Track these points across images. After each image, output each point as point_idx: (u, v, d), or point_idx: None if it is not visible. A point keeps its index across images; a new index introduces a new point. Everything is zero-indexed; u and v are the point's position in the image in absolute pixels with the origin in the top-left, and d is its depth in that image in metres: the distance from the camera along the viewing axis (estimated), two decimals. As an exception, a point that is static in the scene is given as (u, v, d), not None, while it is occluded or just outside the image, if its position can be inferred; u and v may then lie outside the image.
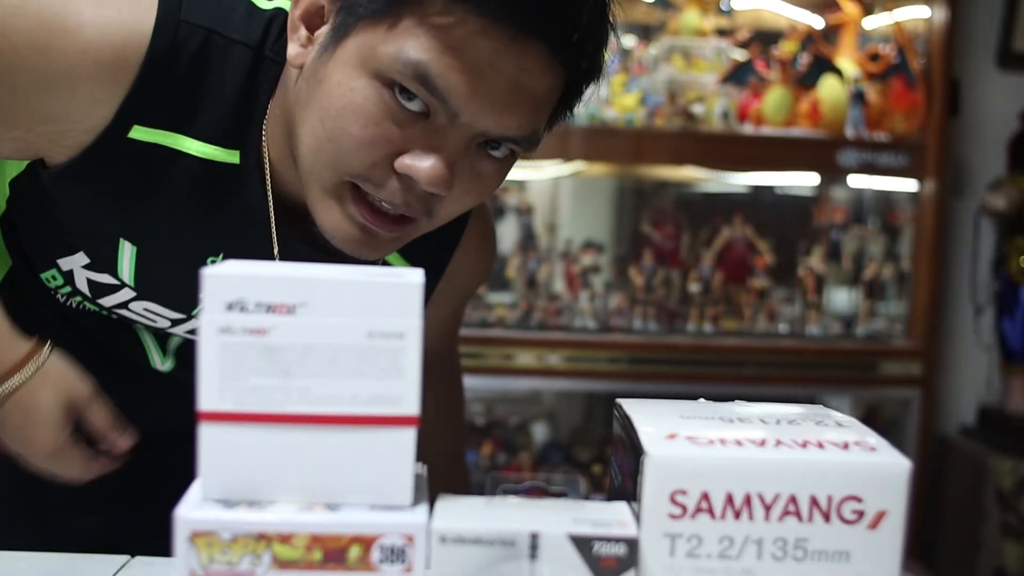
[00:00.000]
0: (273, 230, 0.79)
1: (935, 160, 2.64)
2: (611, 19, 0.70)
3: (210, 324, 0.48)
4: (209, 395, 0.48)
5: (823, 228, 2.87)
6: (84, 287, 0.82)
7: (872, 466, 0.48)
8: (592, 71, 0.72)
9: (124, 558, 0.77)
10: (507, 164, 0.74)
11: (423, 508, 0.49)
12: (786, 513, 0.48)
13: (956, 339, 2.87)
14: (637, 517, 0.49)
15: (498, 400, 2.80)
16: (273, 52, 0.76)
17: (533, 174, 2.79)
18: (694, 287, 2.71)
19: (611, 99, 2.62)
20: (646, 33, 2.85)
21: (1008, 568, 2.50)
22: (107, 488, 0.97)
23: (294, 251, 0.80)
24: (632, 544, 0.47)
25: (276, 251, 0.80)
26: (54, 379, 0.83)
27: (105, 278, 0.81)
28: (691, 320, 2.70)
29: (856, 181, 2.83)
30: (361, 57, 0.66)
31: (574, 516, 0.49)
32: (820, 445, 0.50)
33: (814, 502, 0.48)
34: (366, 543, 0.47)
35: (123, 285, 0.81)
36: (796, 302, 2.81)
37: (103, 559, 0.77)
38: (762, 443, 0.50)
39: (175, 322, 0.86)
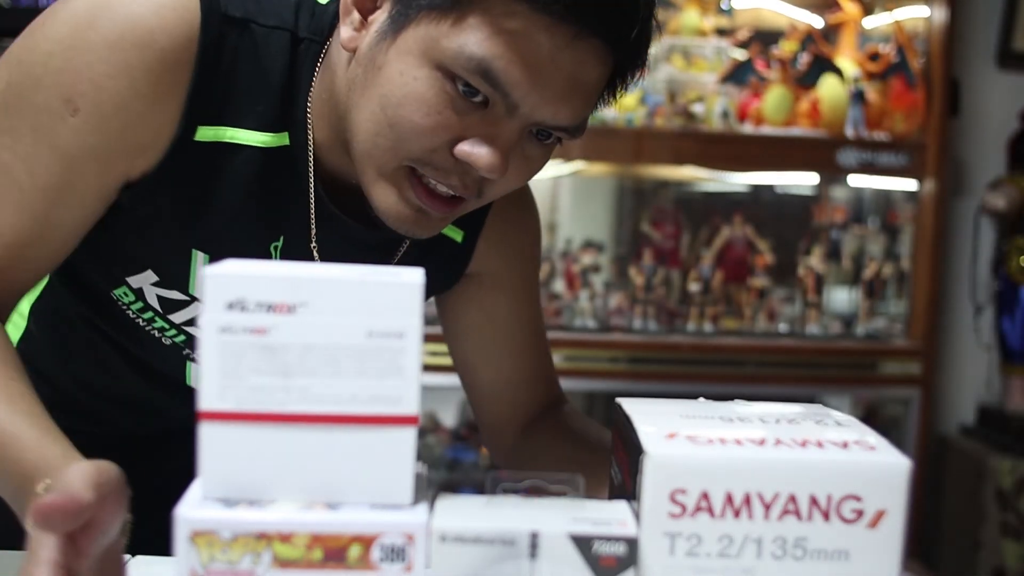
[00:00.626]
0: (312, 211, 0.81)
1: (935, 160, 2.64)
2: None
3: (210, 323, 0.48)
4: (209, 394, 0.48)
5: (823, 228, 2.87)
6: (155, 303, 0.83)
7: (872, 465, 0.48)
8: (642, 63, 0.76)
9: (124, 557, 0.77)
10: (552, 148, 0.77)
11: (423, 507, 0.49)
12: (785, 512, 0.48)
13: (956, 339, 2.87)
14: (637, 516, 0.49)
15: (498, 399, 2.80)
16: (307, 31, 0.77)
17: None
18: (694, 287, 2.72)
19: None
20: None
21: (1008, 567, 2.50)
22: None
23: (337, 228, 0.82)
24: (632, 543, 0.47)
25: (313, 232, 0.82)
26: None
27: (174, 294, 0.82)
28: (691, 320, 2.70)
29: (856, 181, 2.83)
30: (423, 48, 0.68)
31: (574, 515, 0.48)
32: (819, 444, 0.50)
33: (814, 501, 0.48)
34: (366, 542, 0.46)
35: (192, 300, 0.82)
36: (796, 302, 2.82)
37: (103, 559, 0.77)
38: (761, 442, 0.49)
39: None
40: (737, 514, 0.48)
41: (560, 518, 0.48)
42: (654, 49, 2.65)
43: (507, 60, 0.66)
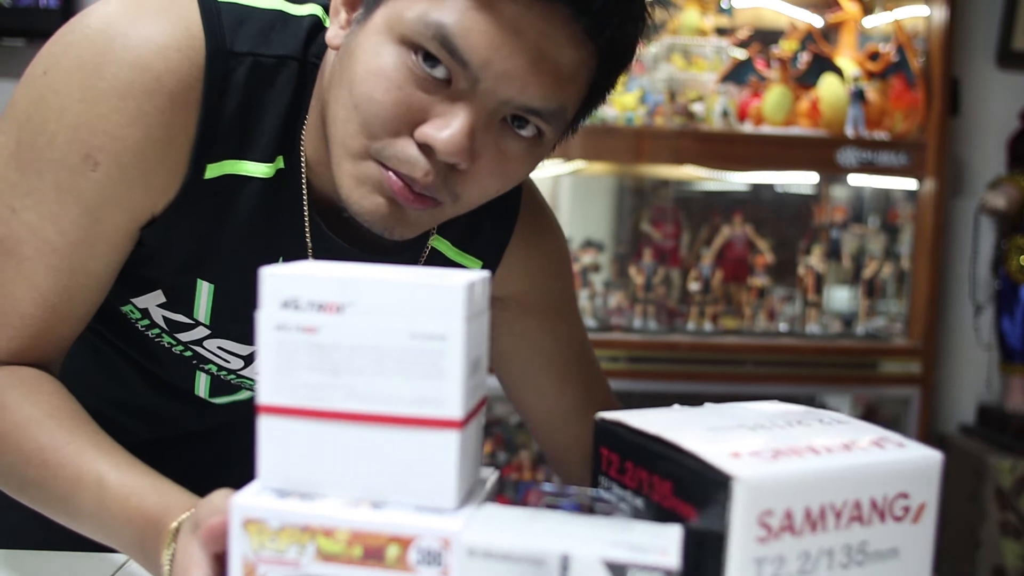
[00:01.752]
0: (307, 229, 0.79)
1: (935, 159, 2.64)
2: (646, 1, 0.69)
3: (268, 320, 0.49)
4: (267, 389, 0.50)
5: (823, 227, 2.87)
6: (161, 322, 0.82)
7: (913, 461, 0.49)
8: (620, 49, 0.71)
9: (124, 557, 0.77)
10: (535, 148, 0.72)
11: (468, 512, 0.48)
12: (852, 519, 0.48)
13: (956, 338, 2.87)
14: (722, 544, 0.46)
15: (498, 399, 2.79)
16: (315, 56, 0.76)
17: (533, 173, 2.78)
18: (694, 286, 2.71)
19: (611, 98, 2.61)
20: (646, 32, 2.84)
21: (1007, 566, 2.51)
22: None
23: (332, 251, 0.80)
24: (671, 574, 0.44)
25: (310, 255, 0.80)
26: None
27: (180, 317, 0.81)
28: (691, 319, 2.70)
29: (856, 180, 2.83)
30: (388, 23, 0.66)
31: (614, 538, 0.46)
32: (863, 448, 0.50)
33: (873, 504, 0.48)
34: (404, 544, 0.47)
35: (197, 323, 0.82)
36: (796, 301, 2.82)
37: (103, 559, 0.77)
38: (817, 451, 0.49)
39: (247, 359, 0.86)
40: (814, 528, 0.47)
41: (598, 540, 0.46)
42: (654, 48, 2.62)
43: (465, 26, 0.64)
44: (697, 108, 2.63)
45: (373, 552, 0.47)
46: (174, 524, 0.60)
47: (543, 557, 0.45)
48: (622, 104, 2.60)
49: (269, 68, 0.74)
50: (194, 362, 0.87)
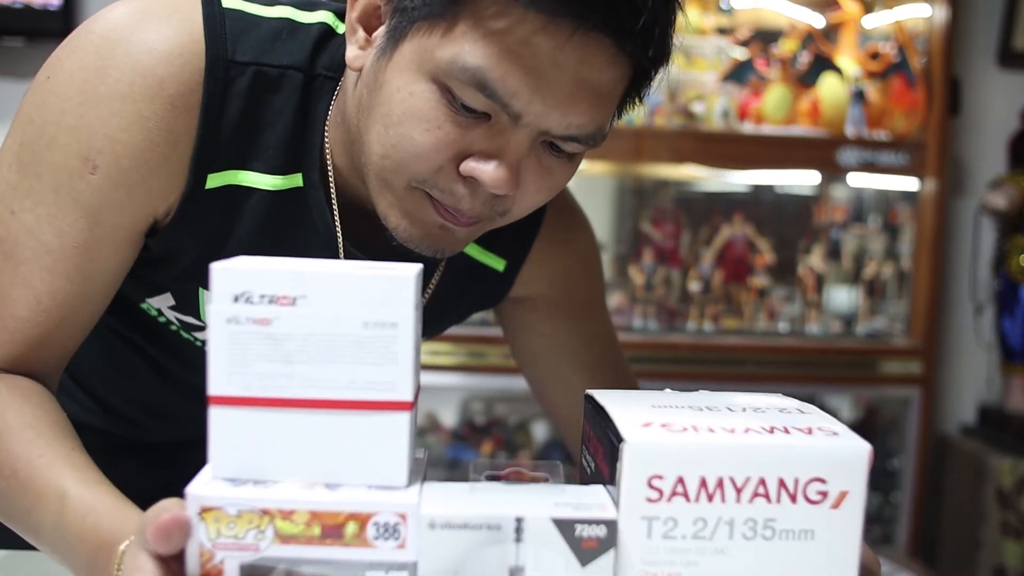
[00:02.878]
0: (339, 242, 0.78)
1: (935, 159, 2.64)
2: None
3: (218, 314, 0.51)
4: (218, 380, 0.51)
5: (823, 227, 2.87)
6: (175, 321, 0.83)
7: (835, 449, 0.51)
8: (661, 56, 0.68)
9: (123, 558, 0.77)
10: (576, 159, 0.72)
11: (417, 489, 0.51)
12: (756, 495, 0.50)
13: (956, 338, 2.87)
14: (615, 501, 0.50)
15: (498, 399, 2.80)
16: (324, 67, 0.75)
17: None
18: (694, 286, 2.72)
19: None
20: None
21: (1008, 567, 2.50)
22: (147, 487, 0.97)
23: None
24: (612, 526, 0.49)
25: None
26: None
27: (190, 319, 0.82)
28: (691, 319, 2.70)
29: (856, 180, 2.83)
30: (418, 60, 0.65)
31: (555, 500, 0.50)
32: (786, 430, 0.52)
33: (782, 484, 0.50)
34: (362, 520, 0.49)
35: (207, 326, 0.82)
36: (796, 301, 2.82)
37: (102, 559, 0.77)
38: (732, 430, 0.52)
39: None
40: (711, 498, 0.50)
41: (543, 503, 0.50)
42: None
43: (503, 68, 0.62)
44: (697, 108, 2.63)
45: (331, 530, 0.49)
46: (123, 545, 0.58)
47: (499, 522, 0.49)
48: (622, 104, 2.60)
49: (273, 78, 0.73)
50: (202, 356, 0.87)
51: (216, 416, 0.52)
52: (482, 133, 0.66)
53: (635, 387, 0.99)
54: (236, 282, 0.51)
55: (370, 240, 0.78)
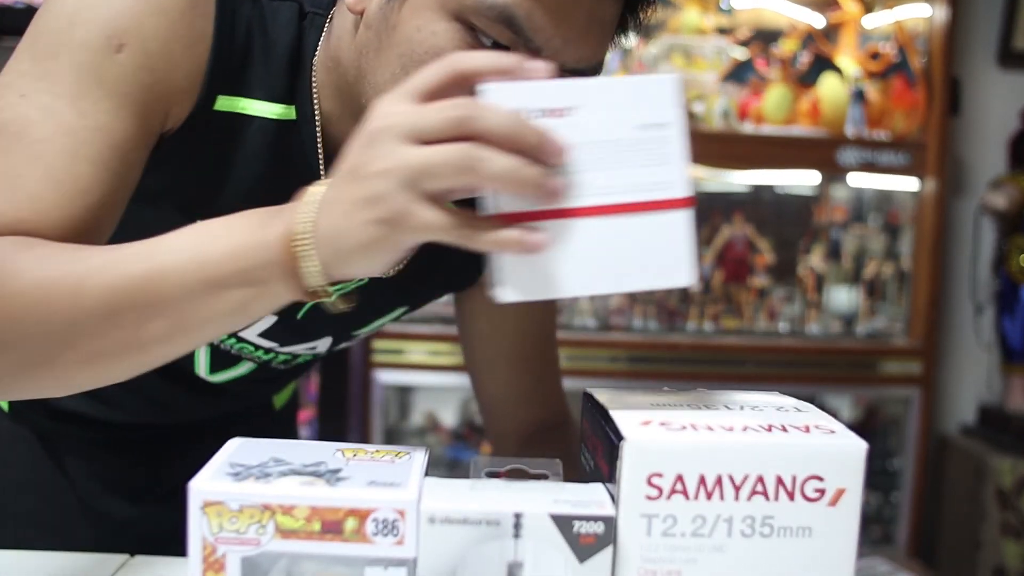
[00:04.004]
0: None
1: (935, 159, 2.64)
2: None
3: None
4: (504, 200, 0.52)
5: (823, 227, 2.87)
6: None
7: (832, 447, 0.51)
8: None
9: (124, 557, 0.78)
10: None
11: (415, 486, 0.51)
12: (754, 493, 0.50)
13: (956, 338, 2.87)
14: (614, 499, 0.51)
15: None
16: (312, 6, 0.76)
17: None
18: (694, 286, 2.71)
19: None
20: (646, 31, 2.85)
21: (1008, 567, 2.50)
22: (125, 489, 0.97)
23: None
24: (609, 522, 0.49)
25: None
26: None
27: None
28: (691, 319, 2.70)
29: (856, 180, 2.83)
30: (440, 1, 0.65)
31: (554, 497, 0.51)
32: (784, 429, 0.53)
33: (780, 482, 0.50)
34: (361, 516, 0.49)
35: None
36: (796, 301, 2.82)
37: (103, 558, 0.78)
38: (731, 428, 0.52)
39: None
40: (710, 495, 0.50)
41: (542, 500, 0.50)
42: (654, 48, 2.61)
43: (529, 5, 0.63)
44: (697, 108, 2.64)
45: (331, 526, 0.49)
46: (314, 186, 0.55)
47: (498, 517, 0.49)
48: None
49: (271, 9, 0.74)
50: None
51: (503, 236, 0.51)
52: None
53: (557, 400, 1.02)
54: (511, 99, 0.51)
55: None
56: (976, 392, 2.86)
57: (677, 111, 0.52)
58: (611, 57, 2.71)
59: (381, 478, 0.52)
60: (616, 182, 0.52)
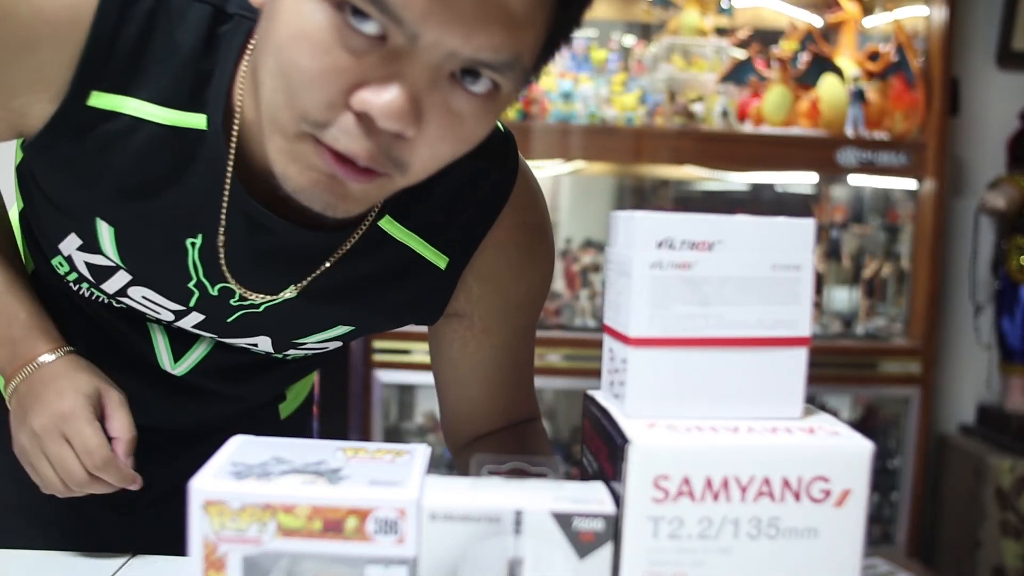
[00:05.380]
0: (225, 195, 0.74)
1: (935, 159, 2.64)
2: None
3: (642, 260, 0.54)
4: (639, 323, 0.54)
5: (823, 227, 2.87)
6: (85, 271, 0.81)
7: (838, 448, 0.51)
8: None
9: (124, 557, 0.77)
10: (491, 103, 0.63)
11: (416, 485, 0.51)
12: (760, 494, 0.51)
13: (955, 338, 2.87)
14: (618, 500, 0.51)
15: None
16: (239, 8, 0.70)
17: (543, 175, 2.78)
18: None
19: (611, 98, 2.63)
20: (646, 32, 2.86)
21: (1007, 567, 2.50)
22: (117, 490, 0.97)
23: (255, 223, 0.75)
24: (609, 520, 0.50)
25: (222, 228, 0.75)
26: (86, 367, 0.83)
27: (100, 259, 0.79)
28: (691, 319, 2.69)
29: (856, 180, 2.83)
30: None
31: (555, 495, 0.51)
32: (788, 430, 0.53)
33: (786, 483, 0.51)
34: (362, 515, 0.50)
35: (118, 267, 0.79)
36: (796, 301, 2.81)
37: (103, 559, 0.77)
38: (736, 430, 0.53)
39: (177, 314, 0.83)
40: (716, 497, 0.50)
41: (542, 497, 0.51)
42: (654, 48, 2.61)
43: None
44: (697, 108, 2.64)
45: (332, 525, 0.49)
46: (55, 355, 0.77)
47: (499, 514, 0.49)
48: (622, 104, 2.61)
49: (178, 7, 0.69)
50: (137, 317, 0.86)
51: (636, 357, 0.54)
52: (377, 60, 0.59)
53: (521, 409, 0.97)
54: (660, 229, 0.53)
55: (270, 194, 0.73)
56: (975, 392, 2.86)
57: (810, 254, 0.55)
58: (611, 57, 2.72)
59: (382, 477, 0.52)
60: (748, 317, 0.55)
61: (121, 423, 0.81)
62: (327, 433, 2.43)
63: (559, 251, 2.78)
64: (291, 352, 0.91)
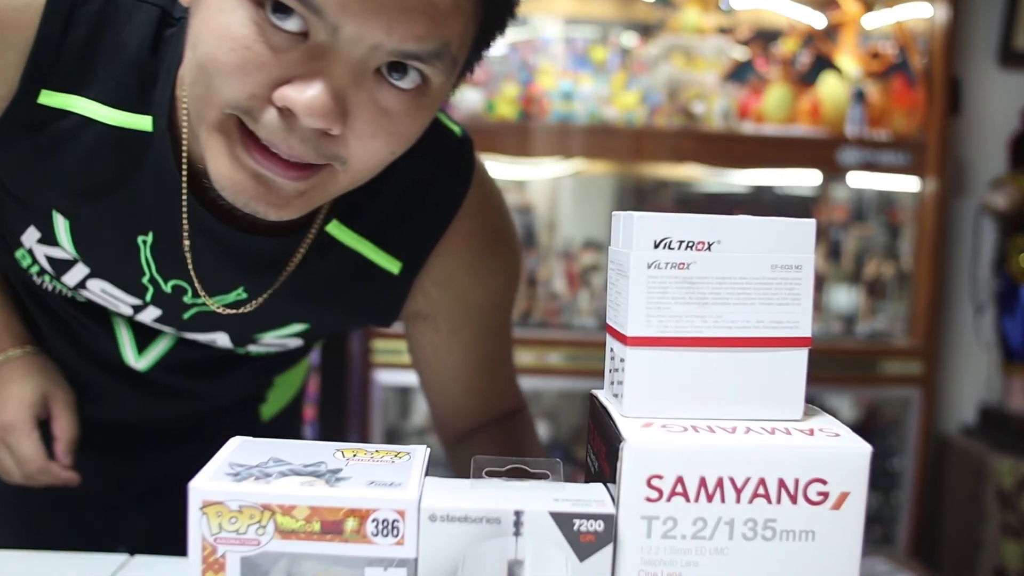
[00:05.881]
0: (184, 202, 0.74)
1: (936, 159, 2.64)
2: None
3: (639, 259, 0.54)
4: (636, 323, 0.54)
5: (824, 227, 2.87)
6: (46, 264, 0.81)
7: (836, 450, 0.51)
8: None
9: (124, 557, 0.77)
10: (422, 98, 0.63)
11: (415, 486, 0.51)
12: (756, 495, 0.50)
13: (957, 338, 2.87)
14: (615, 500, 0.51)
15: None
16: (186, 11, 0.69)
17: (533, 173, 2.79)
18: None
19: (611, 98, 2.62)
20: (646, 31, 2.85)
21: (1008, 567, 2.50)
22: (99, 488, 0.97)
23: (206, 227, 0.75)
24: (609, 521, 0.50)
25: (185, 230, 0.75)
26: (39, 368, 0.87)
27: (59, 252, 0.79)
28: (691, 319, 2.69)
29: (857, 180, 2.83)
30: None
31: (555, 496, 0.51)
32: (787, 431, 0.53)
33: (782, 484, 0.50)
34: (361, 516, 0.49)
35: (76, 260, 0.79)
36: (796, 301, 2.81)
37: (103, 558, 0.77)
38: (732, 430, 0.52)
39: (136, 308, 0.83)
40: (710, 498, 0.50)
41: (542, 498, 0.51)
42: (654, 48, 2.61)
43: None
44: (697, 108, 2.63)
45: (331, 526, 0.49)
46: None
47: (499, 515, 0.49)
48: (623, 104, 2.60)
49: (127, 8, 0.69)
50: (100, 311, 0.86)
51: (633, 356, 0.54)
52: (299, 56, 0.58)
53: (504, 401, 0.97)
54: (658, 229, 0.53)
55: (220, 207, 0.73)
56: (976, 392, 2.86)
57: (811, 255, 0.55)
58: (611, 57, 2.72)
59: (381, 478, 0.52)
60: (748, 317, 0.54)
61: (63, 424, 0.88)
62: (326, 434, 2.43)
63: (559, 251, 2.78)
64: (252, 348, 0.90)
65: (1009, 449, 2.58)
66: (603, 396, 0.59)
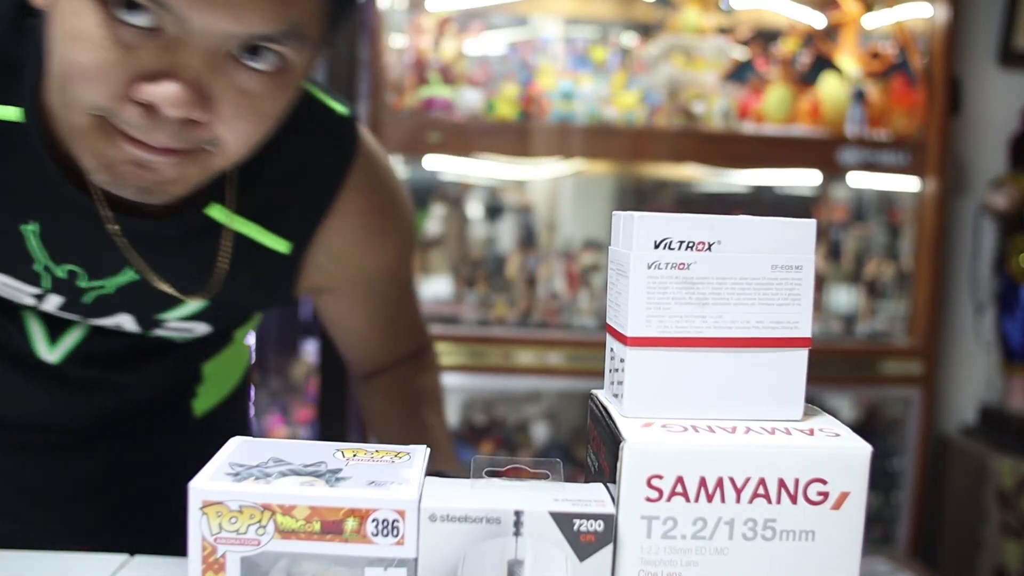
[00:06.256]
0: (52, 185, 0.74)
1: (936, 158, 2.64)
2: None
3: (639, 260, 0.54)
4: (636, 323, 0.54)
5: (824, 227, 2.87)
6: None
7: (836, 450, 0.51)
8: None
9: (124, 557, 0.77)
10: (283, 77, 0.65)
11: (415, 486, 0.51)
12: (756, 495, 0.50)
13: (957, 338, 2.87)
14: (615, 500, 0.51)
15: (498, 400, 2.80)
16: (48, 3, 0.69)
17: (533, 173, 2.79)
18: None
19: (611, 98, 2.62)
20: (646, 31, 2.85)
21: (1008, 568, 2.50)
22: (31, 487, 0.96)
23: (90, 212, 0.75)
24: (609, 521, 0.50)
25: (67, 213, 0.75)
26: None
27: None
28: (691, 319, 2.69)
29: (857, 180, 2.83)
30: None
31: (555, 496, 0.51)
32: (787, 431, 0.53)
33: (782, 484, 0.51)
34: (361, 516, 0.49)
35: None
36: (796, 301, 2.81)
37: (103, 558, 0.77)
38: (732, 430, 0.53)
39: (38, 297, 0.82)
40: (710, 498, 0.50)
41: (542, 498, 0.51)
42: (654, 48, 2.61)
43: None
44: (698, 108, 2.63)
45: (331, 526, 0.49)
46: None
47: (499, 515, 0.49)
48: (622, 104, 2.60)
49: None
50: (8, 304, 0.85)
51: (633, 356, 0.54)
52: (152, 51, 0.59)
53: (419, 344, 1.07)
54: (658, 229, 0.53)
55: (89, 192, 0.74)
56: (976, 392, 2.86)
57: (811, 255, 0.55)
58: (611, 56, 2.72)
59: (381, 478, 0.52)
60: (748, 317, 0.54)
61: None
62: (326, 434, 2.43)
63: (559, 251, 2.78)
64: (160, 332, 0.90)
65: (1009, 449, 2.58)
66: (603, 396, 0.59)
